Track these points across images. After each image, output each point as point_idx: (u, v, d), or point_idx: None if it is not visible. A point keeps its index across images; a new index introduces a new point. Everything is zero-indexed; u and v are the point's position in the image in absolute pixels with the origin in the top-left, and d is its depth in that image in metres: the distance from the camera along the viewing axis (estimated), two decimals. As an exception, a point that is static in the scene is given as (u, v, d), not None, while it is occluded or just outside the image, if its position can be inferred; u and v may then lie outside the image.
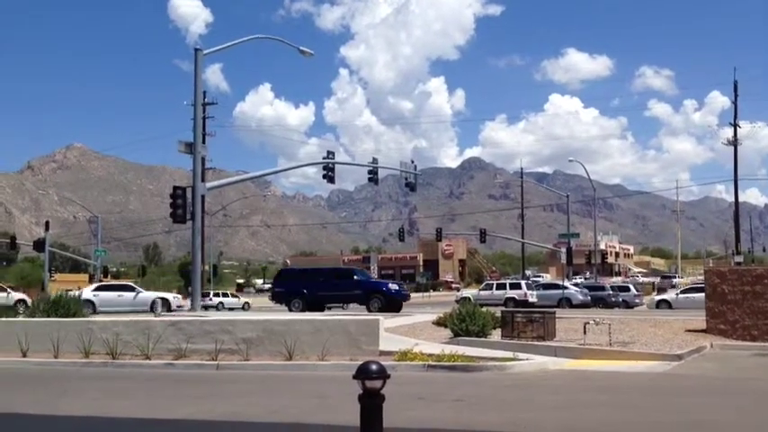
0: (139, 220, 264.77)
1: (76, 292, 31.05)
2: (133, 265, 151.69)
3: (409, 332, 22.48)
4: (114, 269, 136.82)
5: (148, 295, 38.16)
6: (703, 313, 27.85)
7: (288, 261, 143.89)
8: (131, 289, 38.80)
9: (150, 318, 22.26)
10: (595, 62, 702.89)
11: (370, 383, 5.36)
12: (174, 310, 35.64)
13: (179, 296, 42.55)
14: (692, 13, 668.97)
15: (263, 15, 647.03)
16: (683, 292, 41.09)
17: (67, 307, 22.71)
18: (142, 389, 13.20)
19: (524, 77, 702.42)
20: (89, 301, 34.63)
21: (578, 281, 62.81)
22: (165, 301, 37.33)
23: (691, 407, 10.58)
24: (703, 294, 37.98)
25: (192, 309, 31.58)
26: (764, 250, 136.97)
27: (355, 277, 35.80)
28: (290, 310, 33.97)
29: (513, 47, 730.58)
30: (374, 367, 5.40)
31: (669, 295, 41.84)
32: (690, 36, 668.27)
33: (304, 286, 35.18)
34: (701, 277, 68.29)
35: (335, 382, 12.97)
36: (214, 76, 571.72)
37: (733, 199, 55.80)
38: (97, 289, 39.07)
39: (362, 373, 5.39)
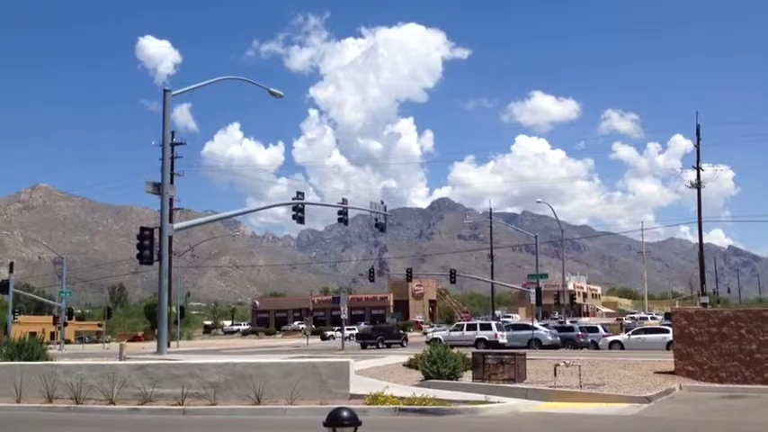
0: (105, 260, 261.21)
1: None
2: (98, 306, 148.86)
3: (380, 374, 22.34)
4: (79, 311, 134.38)
5: None
6: (656, 354, 28.25)
7: (257, 302, 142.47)
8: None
9: (115, 362, 21.84)
10: (562, 105, 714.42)
11: (342, 431, 5.29)
12: None
13: None
14: (657, 58, 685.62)
15: (233, 56, 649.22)
16: (635, 333, 41.83)
17: (31, 350, 22.21)
18: (106, 435, 12.88)
19: (492, 119, 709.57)
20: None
21: (569, 322, 61.61)
22: None
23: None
24: (653, 335, 39.09)
25: (159, 351, 31.08)
26: (729, 291, 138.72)
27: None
28: None
29: (481, 89, 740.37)
30: (345, 414, 5.33)
31: (621, 336, 42.48)
32: (654, 80, 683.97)
33: None
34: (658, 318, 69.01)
35: (304, 427, 12.78)
36: (182, 115, 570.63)
37: (697, 240, 56.56)
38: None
39: (333, 420, 5.32)
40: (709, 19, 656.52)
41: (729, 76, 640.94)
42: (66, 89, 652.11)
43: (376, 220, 45.26)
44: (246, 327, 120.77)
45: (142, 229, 31.59)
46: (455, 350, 21.37)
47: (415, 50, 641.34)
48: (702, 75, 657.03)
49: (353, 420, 5.33)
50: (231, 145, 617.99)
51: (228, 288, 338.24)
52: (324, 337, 78.51)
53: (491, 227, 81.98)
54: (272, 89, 36.45)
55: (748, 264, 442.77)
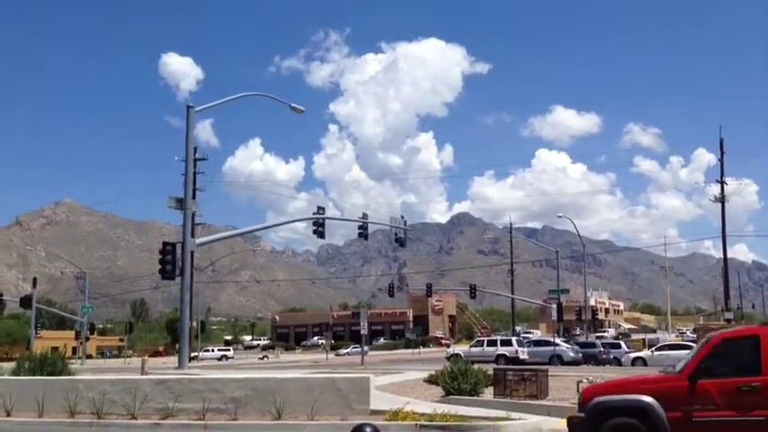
0: (127, 275, 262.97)
1: None
2: (120, 321, 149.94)
3: (400, 390, 22.25)
4: (101, 325, 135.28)
5: None
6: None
7: (277, 317, 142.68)
8: None
9: (137, 376, 21.92)
10: (583, 119, 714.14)
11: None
12: None
13: None
14: (679, 72, 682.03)
15: (253, 72, 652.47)
16: (658, 349, 41.15)
17: (54, 365, 22.34)
18: (128, 450, 12.91)
19: (512, 134, 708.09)
20: None
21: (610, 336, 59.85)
22: None
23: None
24: (678, 352, 38.39)
25: (180, 366, 31.14)
26: (753, 307, 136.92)
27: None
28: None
29: (501, 104, 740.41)
30: (368, 429, 5.30)
31: (645, 353, 41.85)
32: (676, 94, 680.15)
33: None
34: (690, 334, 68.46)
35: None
36: (204, 131, 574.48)
37: (721, 255, 55.96)
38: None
39: (356, 435, 5.29)
40: (732, 31, 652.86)
41: (753, 89, 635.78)
42: (89, 105, 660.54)
43: (396, 234, 45.18)
44: (266, 342, 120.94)
45: (165, 244, 31.69)
46: (475, 366, 21.23)
47: (435, 65, 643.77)
48: (726, 87, 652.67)
49: (376, 436, 5.29)
50: (252, 160, 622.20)
51: (248, 303, 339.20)
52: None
53: (511, 242, 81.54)
54: (293, 105, 36.63)
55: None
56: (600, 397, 10.73)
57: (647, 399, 10.29)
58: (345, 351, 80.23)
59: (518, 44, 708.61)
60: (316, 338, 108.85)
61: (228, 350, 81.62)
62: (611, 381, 12.13)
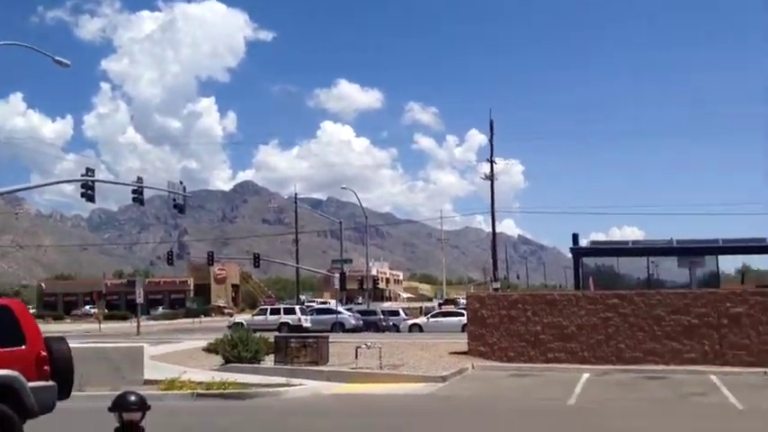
0: None
1: None
2: None
3: (178, 360, 21.59)
4: None
5: None
6: (452, 336, 29.82)
7: (43, 284, 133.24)
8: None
9: None
10: (367, 94, 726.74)
11: (128, 416, 4.85)
12: None
13: None
14: (455, 54, 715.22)
15: (13, 21, 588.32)
16: (433, 316, 44.11)
17: None
18: None
19: (297, 104, 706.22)
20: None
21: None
22: None
23: (453, 427, 10.90)
24: (450, 318, 41.35)
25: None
26: (518, 278, 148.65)
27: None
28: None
29: (286, 73, 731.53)
30: (132, 398, 4.89)
31: (421, 320, 44.61)
32: (452, 76, 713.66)
33: None
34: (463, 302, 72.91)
35: (92, 414, 11.89)
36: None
37: (491, 229, 59.82)
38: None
39: (119, 405, 4.85)
40: (498, 22, 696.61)
41: (522, 76, 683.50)
42: None
43: (174, 200, 43.52)
44: (32, 311, 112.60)
45: None
46: (258, 334, 21.07)
47: (216, 29, 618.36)
48: (497, 72, 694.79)
49: (141, 405, 4.89)
50: (13, 117, 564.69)
51: (11, 269, 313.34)
52: None
53: (296, 212, 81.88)
54: (57, 57, 33.77)
55: (535, 252, 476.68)
56: None
57: None
58: None
59: (302, 14, 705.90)
60: (87, 307, 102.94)
61: None
62: None
